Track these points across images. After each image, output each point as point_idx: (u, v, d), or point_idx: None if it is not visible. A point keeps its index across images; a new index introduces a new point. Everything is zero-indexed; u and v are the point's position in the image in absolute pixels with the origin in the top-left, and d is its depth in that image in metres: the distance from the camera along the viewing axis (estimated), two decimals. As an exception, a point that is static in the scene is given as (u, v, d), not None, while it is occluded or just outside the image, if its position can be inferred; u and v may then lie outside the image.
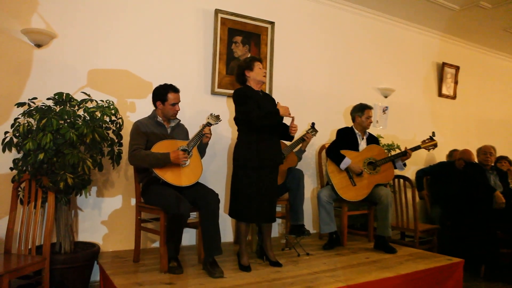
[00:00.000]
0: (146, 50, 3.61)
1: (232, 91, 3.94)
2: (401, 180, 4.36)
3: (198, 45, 3.88)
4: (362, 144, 3.96)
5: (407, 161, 4.00)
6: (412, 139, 5.32)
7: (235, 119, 3.09)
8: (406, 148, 3.88)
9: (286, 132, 3.17)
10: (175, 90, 3.12)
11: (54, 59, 3.23)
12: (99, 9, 3.44)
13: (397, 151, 4.56)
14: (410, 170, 5.21)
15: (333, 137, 4.36)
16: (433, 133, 4.02)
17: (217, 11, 3.92)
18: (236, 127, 3.83)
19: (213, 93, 3.89)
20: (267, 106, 3.02)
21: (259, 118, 2.90)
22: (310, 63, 4.58)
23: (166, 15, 3.74)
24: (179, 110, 3.14)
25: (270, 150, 2.99)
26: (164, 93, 3.08)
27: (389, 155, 4.12)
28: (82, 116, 2.92)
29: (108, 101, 3.05)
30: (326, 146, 4.11)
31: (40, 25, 3.19)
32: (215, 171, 3.91)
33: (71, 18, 3.32)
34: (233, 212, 3.02)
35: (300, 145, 3.88)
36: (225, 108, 3.96)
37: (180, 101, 3.17)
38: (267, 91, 4.11)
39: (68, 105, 2.88)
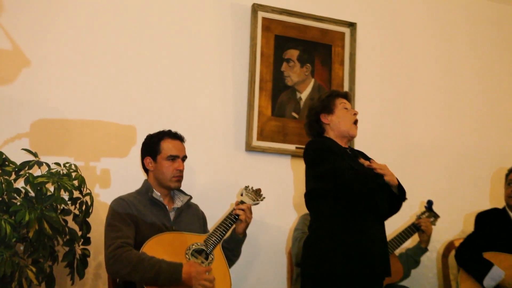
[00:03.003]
0: (133, 78, 3.74)
1: (283, 146, 3.95)
2: None
3: (223, 65, 3.97)
4: (526, 241, 3.81)
5: None
6: None
7: (309, 193, 3.09)
8: None
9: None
10: (174, 136, 3.20)
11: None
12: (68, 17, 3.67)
13: None
14: None
15: (469, 228, 4.22)
16: None
17: (255, 7, 4.03)
18: (299, 209, 3.74)
19: (250, 149, 3.90)
20: None
21: (358, 179, 2.90)
22: (424, 95, 4.57)
23: (169, 16, 3.90)
24: (183, 169, 3.18)
25: (372, 249, 2.93)
26: (155, 142, 3.17)
27: None
28: (23, 191, 2.96)
29: (67, 165, 3.10)
30: (457, 244, 3.99)
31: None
32: (255, 286, 3.86)
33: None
34: None
35: (415, 239, 3.84)
36: (272, 174, 3.96)
37: (185, 155, 3.22)
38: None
39: (0, 171, 2.95)
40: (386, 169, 3.00)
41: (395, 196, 3.08)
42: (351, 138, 3.21)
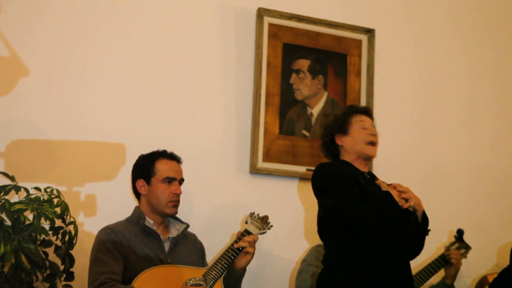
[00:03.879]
0: (123, 89, 3.76)
1: (292, 168, 3.96)
2: None
3: (224, 77, 3.98)
4: None
5: None
6: None
7: (321, 221, 3.08)
8: None
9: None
10: (170, 156, 3.24)
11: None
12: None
13: None
14: None
15: (504, 261, 4.16)
16: None
17: (261, 12, 4.04)
18: (310, 239, 3.75)
19: (255, 171, 3.90)
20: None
21: (365, 215, 2.85)
22: (452, 110, 4.57)
23: (166, 23, 3.92)
24: (180, 193, 3.20)
25: (394, 285, 2.92)
26: (149, 163, 3.19)
27: None
28: (-2, 219, 2.97)
29: (48, 190, 3.09)
30: (490, 279, 3.96)
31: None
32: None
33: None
34: None
35: (441, 274, 3.82)
36: (279, 199, 3.95)
37: (182, 178, 3.24)
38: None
39: (-30, 198, 2.95)
40: (410, 193, 2.98)
41: (418, 224, 3.05)
42: (368, 159, 3.14)
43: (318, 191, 3.05)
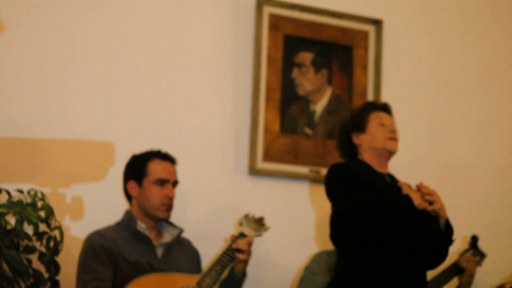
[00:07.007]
0: (111, 84, 3.76)
1: (295, 168, 3.96)
2: None
3: (221, 71, 3.99)
4: None
5: None
6: None
7: (333, 226, 3.09)
8: None
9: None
10: (164, 157, 3.26)
11: None
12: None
13: None
14: None
15: (523, 268, 4.21)
16: None
17: (261, 2, 4.03)
18: (314, 245, 3.79)
19: (254, 172, 3.91)
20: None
21: (379, 223, 2.87)
22: (466, 107, 4.57)
23: (158, 14, 3.92)
24: (173, 196, 3.21)
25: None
26: (141, 163, 3.22)
27: None
28: (-23, 224, 2.97)
29: (31, 192, 3.09)
30: (508, 287, 3.97)
31: None
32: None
33: None
34: None
35: (454, 283, 3.82)
36: (280, 202, 3.96)
37: (177, 180, 3.27)
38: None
39: None
40: (436, 196, 2.96)
41: (440, 233, 3.04)
42: (388, 154, 3.13)
43: (330, 194, 3.05)
